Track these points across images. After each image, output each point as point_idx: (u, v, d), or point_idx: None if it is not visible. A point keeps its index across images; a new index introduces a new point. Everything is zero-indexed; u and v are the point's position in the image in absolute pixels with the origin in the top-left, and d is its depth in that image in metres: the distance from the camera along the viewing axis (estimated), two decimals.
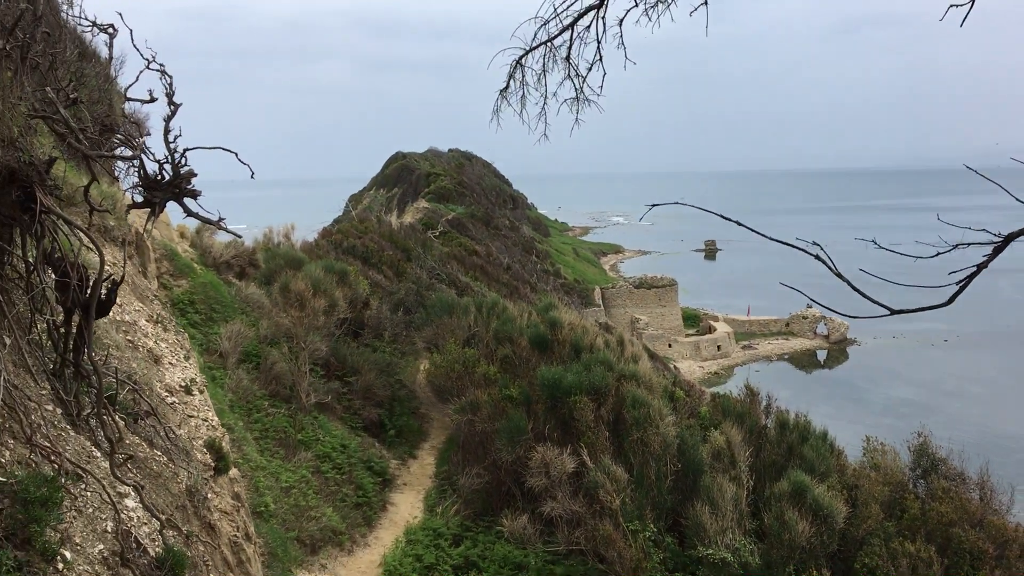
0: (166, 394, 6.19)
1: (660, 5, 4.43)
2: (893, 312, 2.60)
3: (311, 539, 12.48)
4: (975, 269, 2.44)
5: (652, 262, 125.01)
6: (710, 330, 74.93)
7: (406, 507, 14.74)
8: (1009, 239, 2.37)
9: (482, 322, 17.84)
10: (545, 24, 4.68)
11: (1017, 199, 2.64)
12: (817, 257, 2.65)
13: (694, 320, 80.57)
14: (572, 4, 4.57)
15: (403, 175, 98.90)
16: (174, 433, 4.97)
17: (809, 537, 12.00)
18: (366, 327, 19.68)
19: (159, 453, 4.51)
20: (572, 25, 4.66)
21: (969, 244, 2.53)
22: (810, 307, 78.62)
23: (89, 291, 3.62)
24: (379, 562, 12.73)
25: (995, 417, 54.66)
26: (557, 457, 12.56)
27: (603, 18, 4.62)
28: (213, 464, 5.90)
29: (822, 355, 74.31)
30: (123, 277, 4.72)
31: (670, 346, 71.42)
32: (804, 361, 73.29)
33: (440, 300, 19.49)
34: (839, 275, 2.62)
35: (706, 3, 4.31)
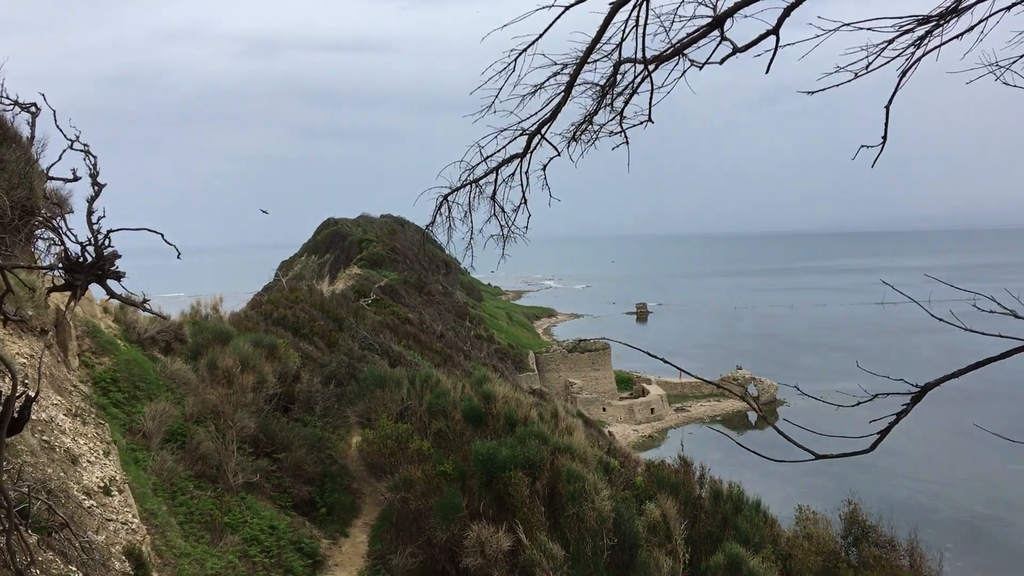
0: (84, 497, 5.92)
1: (582, 143, 4.56)
2: (818, 457, 2.66)
3: None
4: (895, 418, 2.53)
5: (585, 326, 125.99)
6: (643, 393, 75.53)
7: None
8: (926, 389, 2.47)
9: (415, 395, 17.65)
10: (472, 169, 4.78)
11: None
12: (743, 398, 2.70)
13: (627, 383, 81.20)
14: (496, 152, 4.69)
15: (335, 241, 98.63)
16: (90, 543, 4.74)
17: None
18: (296, 401, 19.29)
19: (74, 568, 4.29)
20: (497, 170, 4.77)
21: (888, 394, 2.62)
22: (739, 368, 79.95)
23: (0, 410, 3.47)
24: None
25: (922, 474, 55.95)
26: (492, 535, 12.37)
27: (527, 169, 4.76)
28: (132, 573, 5.63)
29: (753, 416, 75.31)
30: (39, 380, 4.55)
31: (604, 409, 71.63)
32: (736, 422, 74.26)
33: (372, 373, 19.25)
34: (761, 415, 2.67)
35: (627, 142, 4.46)
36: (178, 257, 9.51)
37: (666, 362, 2.89)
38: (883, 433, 2.51)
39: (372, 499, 17.31)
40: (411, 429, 16.10)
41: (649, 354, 3.19)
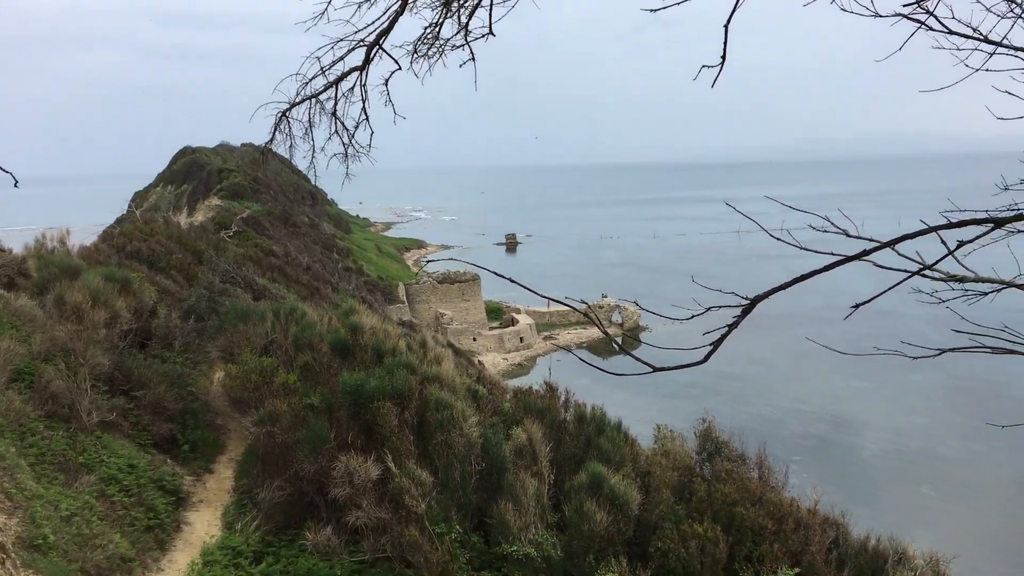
0: None
1: (428, 59, 4.45)
2: (656, 369, 2.76)
3: (97, 569, 11.62)
4: (726, 329, 2.64)
5: (454, 256, 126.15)
6: (513, 322, 76.64)
7: (203, 526, 14.05)
8: (755, 302, 2.58)
9: (280, 328, 17.29)
10: (309, 82, 4.58)
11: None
12: (585, 314, 2.75)
13: (497, 313, 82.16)
14: (335, 63, 4.50)
15: (193, 171, 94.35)
16: None
17: (607, 526, 12.52)
18: (154, 337, 18.57)
19: None
20: (336, 83, 4.59)
21: (721, 307, 2.72)
22: (605, 297, 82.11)
23: None
24: None
25: (773, 394, 59.50)
26: (361, 465, 12.38)
27: (365, 83, 4.60)
28: None
29: (619, 341, 77.83)
30: None
31: (475, 340, 72.41)
32: (602, 348, 76.52)
33: (234, 306, 18.70)
34: (605, 332, 2.74)
35: (473, 58, 4.38)
36: (15, 186, 8.87)
37: (512, 281, 2.91)
38: (715, 344, 2.63)
39: (237, 434, 17.00)
40: (276, 363, 15.81)
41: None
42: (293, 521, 13.29)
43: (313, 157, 4.93)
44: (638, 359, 2.65)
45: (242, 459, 16.08)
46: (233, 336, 17.56)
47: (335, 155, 4.98)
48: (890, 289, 2.77)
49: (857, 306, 3.04)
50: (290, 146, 4.91)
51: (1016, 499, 42.16)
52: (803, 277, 2.89)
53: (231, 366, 16.62)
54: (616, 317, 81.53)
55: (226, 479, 15.75)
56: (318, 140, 4.94)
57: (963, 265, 2.79)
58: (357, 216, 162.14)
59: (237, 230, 48.30)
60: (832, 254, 2.78)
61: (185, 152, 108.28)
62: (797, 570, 13.15)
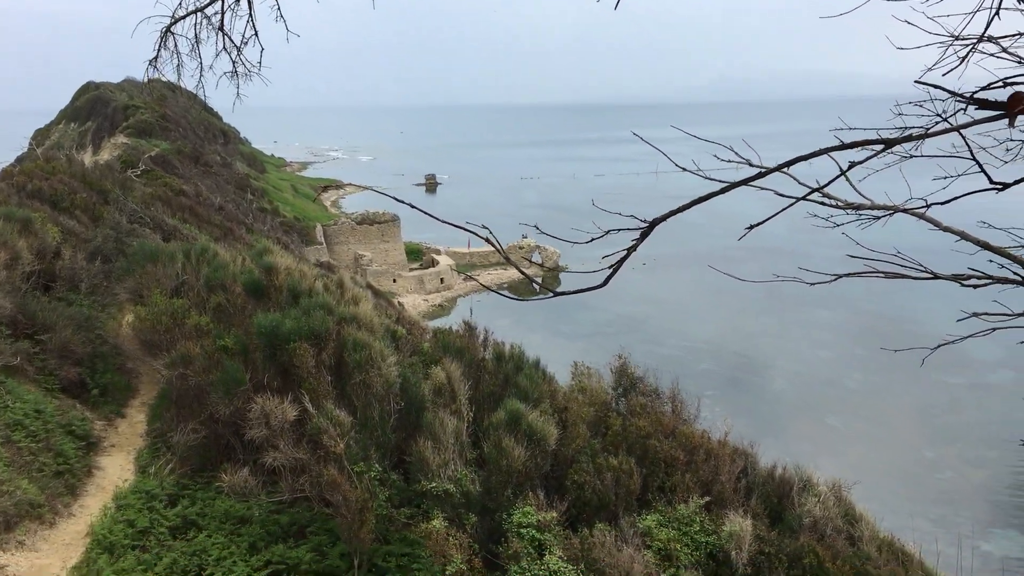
0: None
1: None
2: (556, 294, 2.77)
3: (5, 516, 11.33)
4: (625, 253, 2.65)
5: (373, 197, 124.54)
6: (433, 264, 76.35)
7: (115, 470, 13.79)
8: (653, 224, 2.60)
9: (192, 270, 16.85)
10: None
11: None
12: (487, 240, 2.73)
13: (417, 254, 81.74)
14: None
15: (97, 107, 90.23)
16: None
17: (525, 461, 12.72)
18: (59, 279, 17.91)
19: None
20: None
21: (620, 230, 2.74)
22: (525, 237, 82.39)
23: None
24: (86, 532, 11.85)
25: (685, 331, 60.96)
26: (278, 406, 12.26)
27: None
28: None
29: (559, 291, 78.45)
30: None
31: (395, 281, 71.98)
32: (522, 289, 76.98)
33: (143, 247, 18.12)
34: (507, 258, 2.72)
35: None
36: None
37: (413, 207, 2.87)
38: (614, 268, 2.65)
39: (149, 378, 16.62)
40: (188, 304, 15.44)
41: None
42: (209, 464, 13.14)
43: (201, 76, 4.72)
44: (539, 284, 2.65)
45: (155, 402, 15.76)
46: (142, 278, 17.05)
47: (224, 74, 4.78)
48: (784, 210, 2.83)
49: (751, 227, 3.10)
50: (177, 65, 4.68)
51: (914, 427, 44.43)
52: (699, 200, 2.93)
53: (140, 308, 16.17)
54: (536, 257, 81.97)
55: (139, 423, 15.43)
56: (206, 58, 4.71)
57: (858, 191, 2.87)
58: (272, 155, 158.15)
59: (145, 169, 46.59)
60: (733, 182, 2.82)
61: (88, 88, 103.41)
62: (707, 498, 13.64)
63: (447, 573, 10.65)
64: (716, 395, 45.78)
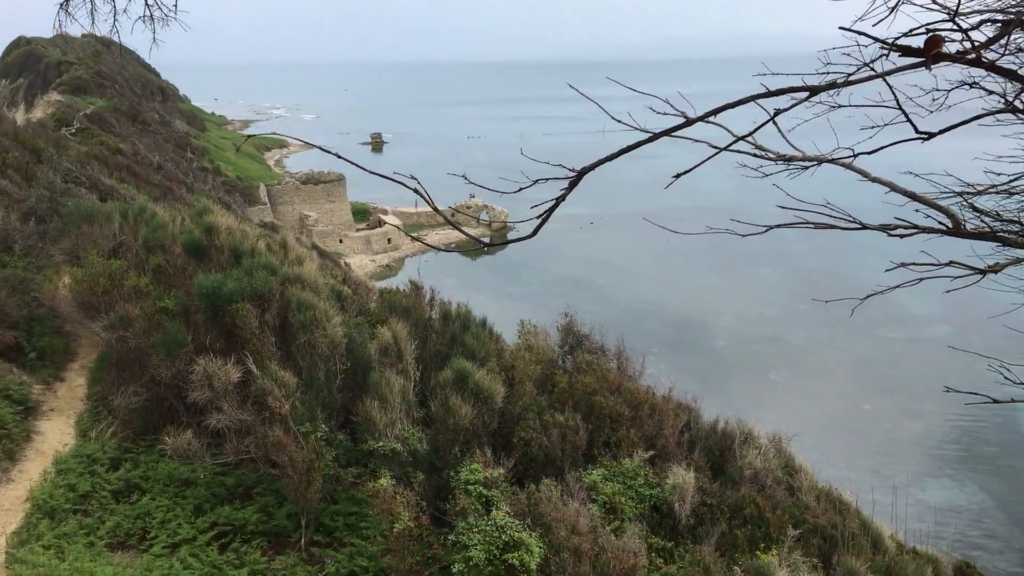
0: None
1: None
2: (487, 246, 2.75)
3: None
4: (554, 203, 2.64)
5: (318, 156, 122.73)
6: (380, 224, 75.70)
7: (55, 435, 13.55)
8: (581, 174, 2.59)
9: (130, 230, 16.45)
10: None
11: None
12: (416, 191, 2.70)
13: (364, 214, 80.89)
14: None
15: (29, 63, 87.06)
16: None
17: (472, 419, 12.78)
18: None
19: None
20: None
21: (548, 179, 2.72)
22: (473, 197, 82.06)
23: None
24: (26, 497, 11.66)
25: (632, 290, 61.55)
26: (221, 368, 12.10)
27: None
28: None
29: (486, 241, 78.35)
30: None
31: (341, 241, 71.28)
32: (470, 249, 76.88)
33: (78, 207, 17.62)
34: (435, 209, 2.70)
35: None
36: None
37: (341, 158, 2.82)
38: (543, 218, 2.65)
39: (88, 341, 16.27)
40: (126, 265, 15.10)
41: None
42: (151, 427, 12.97)
43: (115, 20, 4.56)
44: (469, 235, 2.64)
45: (95, 366, 15.47)
46: (78, 239, 16.61)
47: (140, 18, 4.62)
48: (709, 159, 2.85)
49: (678, 175, 3.11)
50: (91, 9, 4.51)
51: (853, 381, 45.64)
52: (627, 148, 2.92)
53: (77, 270, 15.76)
54: (484, 217, 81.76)
55: (79, 387, 15.15)
56: (119, 1, 4.52)
57: (788, 140, 2.89)
58: (212, 114, 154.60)
59: (80, 127, 45.18)
60: (667, 133, 2.82)
61: (19, 43, 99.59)
62: (651, 453, 13.87)
63: (394, 531, 10.70)
64: (662, 352, 46.46)
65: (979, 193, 3.32)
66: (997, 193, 3.28)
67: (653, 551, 12.33)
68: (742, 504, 13.20)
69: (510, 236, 78.55)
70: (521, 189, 2.75)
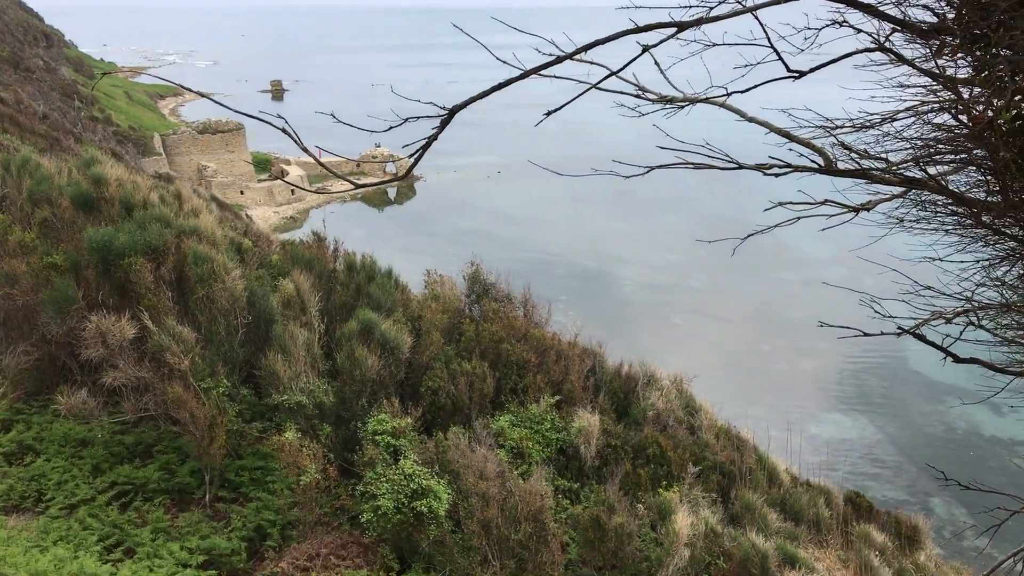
0: None
1: None
2: (358, 187, 2.71)
3: None
4: (426, 142, 2.61)
5: (215, 105, 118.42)
6: (283, 174, 73.84)
7: None
8: (453, 112, 2.56)
9: (13, 182, 15.63)
10: None
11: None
12: (284, 130, 2.63)
13: (265, 165, 78.72)
14: None
15: None
16: None
17: (379, 370, 12.74)
18: None
19: None
20: None
21: (419, 117, 2.69)
22: (378, 146, 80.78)
23: None
24: None
25: (539, 238, 61.94)
26: (115, 324, 11.71)
27: None
28: None
29: (393, 193, 77.48)
30: None
31: (242, 193, 69.42)
32: (376, 200, 75.96)
33: None
34: (305, 149, 2.64)
35: None
36: None
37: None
38: (416, 157, 2.63)
39: None
40: (9, 220, 14.39)
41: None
42: (44, 387, 12.52)
43: None
44: (343, 177, 2.60)
45: None
46: None
47: None
48: (579, 96, 2.87)
49: (548, 113, 3.12)
50: None
51: (751, 322, 47.20)
52: (498, 87, 2.91)
53: None
54: (391, 167, 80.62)
55: None
56: None
57: (667, 79, 2.92)
58: (102, 60, 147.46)
59: None
60: (530, 68, 2.82)
61: None
62: (558, 397, 14.12)
63: (301, 484, 10.65)
64: (570, 300, 47.08)
65: (851, 129, 3.42)
66: (857, 129, 3.38)
67: (560, 493, 12.63)
68: (645, 444, 13.60)
69: (419, 187, 77.86)
70: (391, 128, 2.72)
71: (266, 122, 2.58)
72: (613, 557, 10.78)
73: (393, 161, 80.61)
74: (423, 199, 74.50)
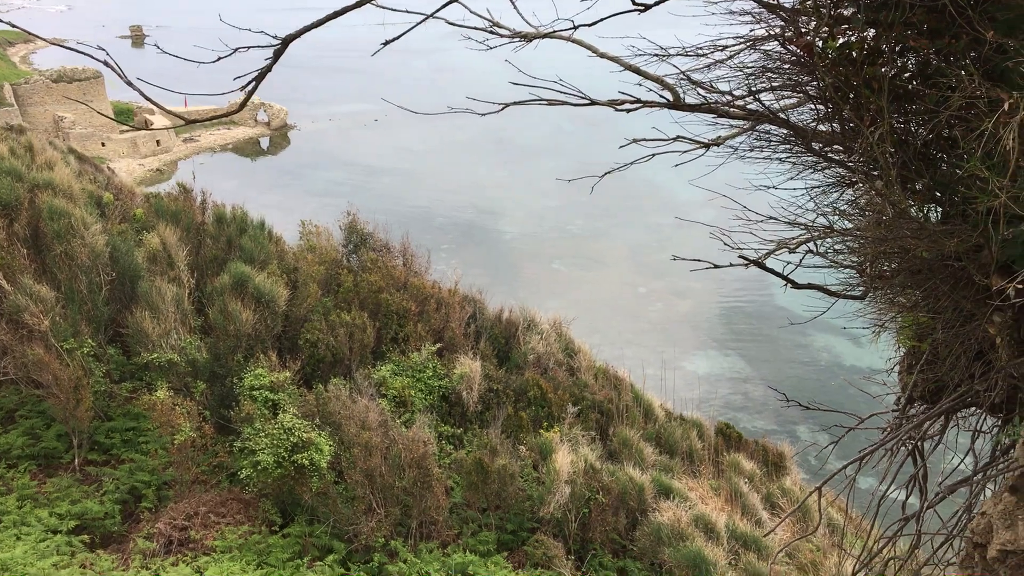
0: None
1: None
2: (189, 123, 2.61)
3: None
4: (258, 73, 2.53)
5: (70, 51, 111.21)
6: (147, 124, 70.31)
7: None
8: (286, 42, 2.49)
9: None
10: None
11: None
12: (106, 63, 2.50)
13: (129, 114, 74.72)
14: None
15: None
16: None
17: (254, 324, 12.46)
18: None
19: None
20: None
21: (250, 47, 2.60)
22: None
23: None
24: None
25: (419, 187, 61.35)
26: None
27: None
28: None
29: (265, 143, 75.07)
30: None
31: (103, 145, 65.90)
32: (248, 150, 73.44)
33: None
34: (129, 83, 2.52)
35: None
36: None
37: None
38: (248, 92, 2.55)
39: None
40: None
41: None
42: None
43: None
44: (173, 114, 2.48)
45: None
46: None
47: None
48: (415, 26, 2.83)
49: (386, 43, 3.07)
50: None
51: (627, 265, 48.28)
52: (332, 15, 2.84)
53: None
54: (262, 116, 77.93)
55: None
56: None
57: (518, 10, 2.91)
58: None
59: None
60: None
61: None
62: (439, 345, 14.17)
63: (176, 443, 10.38)
64: (451, 248, 46.97)
65: (684, 57, 3.46)
66: (688, 55, 3.45)
67: (443, 439, 12.75)
68: (526, 387, 13.84)
69: (293, 135, 75.65)
70: (220, 59, 2.61)
71: (86, 55, 2.43)
72: (497, 498, 11.00)
73: (264, 110, 77.95)
74: (297, 149, 72.39)
